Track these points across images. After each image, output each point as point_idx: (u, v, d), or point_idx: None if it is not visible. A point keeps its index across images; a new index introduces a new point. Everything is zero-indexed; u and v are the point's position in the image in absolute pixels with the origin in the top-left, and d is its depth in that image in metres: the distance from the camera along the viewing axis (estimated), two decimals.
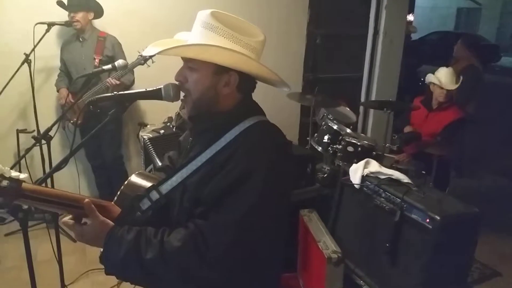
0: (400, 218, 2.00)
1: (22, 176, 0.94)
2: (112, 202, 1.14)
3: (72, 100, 3.00)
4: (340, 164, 2.98)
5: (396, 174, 2.23)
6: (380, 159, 2.83)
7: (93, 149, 3.33)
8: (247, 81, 1.12)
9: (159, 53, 1.04)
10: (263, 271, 1.12)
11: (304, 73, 4.33)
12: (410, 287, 1.96)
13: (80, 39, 3.12)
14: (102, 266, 1.06)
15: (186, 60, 1.09)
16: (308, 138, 3.37)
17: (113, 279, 1.19)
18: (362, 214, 2.27)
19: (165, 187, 1.08)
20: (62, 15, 3.03)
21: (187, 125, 1.64)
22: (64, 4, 3.01)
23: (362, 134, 4.00)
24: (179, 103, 1.21)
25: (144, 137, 2.98)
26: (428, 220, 1.88)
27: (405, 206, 2.01)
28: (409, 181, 2.17)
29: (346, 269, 2.16)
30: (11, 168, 0.95)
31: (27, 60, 2.84)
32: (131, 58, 2.94)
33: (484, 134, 5.27)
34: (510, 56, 15.85)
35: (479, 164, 4.82)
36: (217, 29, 1.03)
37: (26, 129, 3.21)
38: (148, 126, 3.26)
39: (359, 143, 2.94)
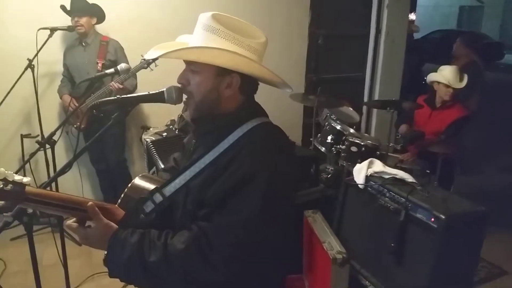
0: (405, 217, 1.99)
1: (26, 179, 0.94)
2: (116, 205, 1.14)
3: (76, 105, 3.02)
4: (344, 164, 2.97)
5: (401, 174, 2.22)
6: (384, 159, 2.82)
7: (97, 153, 3.34)
8: (249, 83, 1.12)
9: (160, 56, 1.05)
10: (267, 272, 1.11)
11: (307, 74, 4.32)
12: (416, 287, 1.95)
13: (83, 43, 3.13)
14: (107, 270, 1.07)
15: (188, 62, 1.09)
16: (311, 139, 3.36)
17: (118, 282, 1.19)
18: (367, 214, 2.26)
19: (169, 190, 1.08)
20: (65, 21, 3.05)
21: (190, 127, 1.65)
22: (67, 8, 3.03)
23: (366, 134, 3.99)
24: (181, 105, 1.22)
25: (147, 140, 2.99)
26: (433, 219, 1.87)
27: (410, 205, 2.00)
28: (414, 181, 2.16)
29: (352, 270, 2.15)
30: (16, 173, 0.96)
31: (30, 66, 2.86)
32: (133, 62, 2.95)
33: (489, 131, 5.24)
34: None
35: (484, 162, 4.79)
36: (218, 31, 1.04)
37: (30, 134, 3.23)
38: (151, 129, 3.26)
39: (362, 143, 2.93)
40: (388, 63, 4.35)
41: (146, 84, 3.08)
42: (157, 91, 1.15)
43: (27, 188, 0.95)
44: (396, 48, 4.35)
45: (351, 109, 3.48)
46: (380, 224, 2.17)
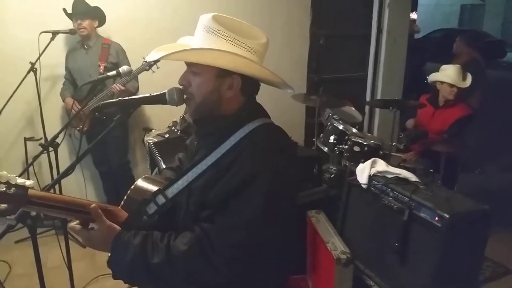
0: (408, 217, 1.98)
1: (28, 182, 0.95)
2: (119, 207, 1.15)
3: (79, 107, 3.02)
4: (347, 164, 2.96)
5: (404, 173, 2.21)
6: (387, 158, 2.81)
7: (100, 156, 3.35)
8: (250, 84, 1.12)
9: (162, 58, 1.05)
10: (269, 273, 1.11)
11: (308, 74, 4.32)
12: (420, 286, 1.94)
13: (85, 46, 3.14)
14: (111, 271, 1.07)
15: (189, 64, 1.10)
16: (314, 139, 3.36)
17: (122, 284, 1.20)
18: (370, 214, 2.26)
19: (171, 191, 1.08)
20: (67, 24, 3.06)
21: (192, 129, 1.65)
22: (68, 12, 3.03)
23: (368, 134, 3.99)
24: (183, 107, 1.21)
25: (149, 141, 3.00)
26: (437, 219, 1.86)
27: (413, 205, 1.99)
28: (417, 180, 2.15)
29: (356, 270, 2.14)
30: (20, 176, 0.96)
31: (32, 69, 2.88)
32: (135, 64, 2.96)
33: (490, 129, 5.21)
34: None
35: (485, 160, 4.77)
36: (219, 32, 1.04)
37: (33, 137, 3.24)
38: (153, 130, 3.27)
39: (365, 143, 2.92)
40: (390, 63, 4.34)
41: (147, 86, 3.08)
42: (159, 93, 1.15)
43: (30, 191, 0.95)
44: (398, 47, 4.33)
45: (353, 108, 3.47)
46: (384, 223, 2.16)
